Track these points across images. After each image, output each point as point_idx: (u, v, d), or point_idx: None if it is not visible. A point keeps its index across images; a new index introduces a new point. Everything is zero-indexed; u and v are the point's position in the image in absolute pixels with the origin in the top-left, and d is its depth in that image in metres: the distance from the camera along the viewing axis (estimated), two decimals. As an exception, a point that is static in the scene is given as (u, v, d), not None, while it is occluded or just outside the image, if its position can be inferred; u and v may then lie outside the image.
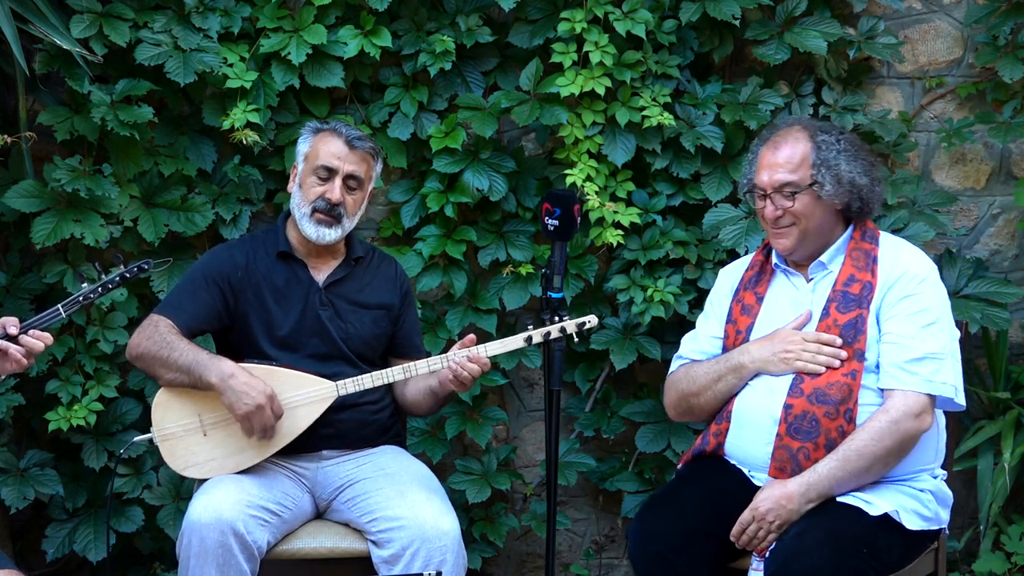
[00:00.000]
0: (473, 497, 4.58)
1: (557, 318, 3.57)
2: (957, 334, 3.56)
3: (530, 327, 3.62)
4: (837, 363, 3.45)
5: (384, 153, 4.59)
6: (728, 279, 3.78)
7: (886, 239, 3.63)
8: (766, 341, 3.55)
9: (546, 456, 3.58)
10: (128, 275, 3.58)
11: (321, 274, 3.88)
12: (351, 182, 3.83)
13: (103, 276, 3.58)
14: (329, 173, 3.81)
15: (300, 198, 3.84)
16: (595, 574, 4.91)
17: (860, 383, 3.43)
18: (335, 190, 3.80)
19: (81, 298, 3.51)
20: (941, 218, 4.62)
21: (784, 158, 3.55)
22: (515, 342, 3.67)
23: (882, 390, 3.44)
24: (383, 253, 4.06)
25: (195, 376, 3.66)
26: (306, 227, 3.82)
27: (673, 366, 3.76)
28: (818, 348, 3.47)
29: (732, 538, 3.42)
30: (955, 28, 4.77)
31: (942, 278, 4.63)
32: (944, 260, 4.69)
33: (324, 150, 3.83)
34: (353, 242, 3.94)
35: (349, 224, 3.86)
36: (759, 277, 3.69)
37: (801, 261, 3.62)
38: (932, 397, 3.43)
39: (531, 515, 4.72)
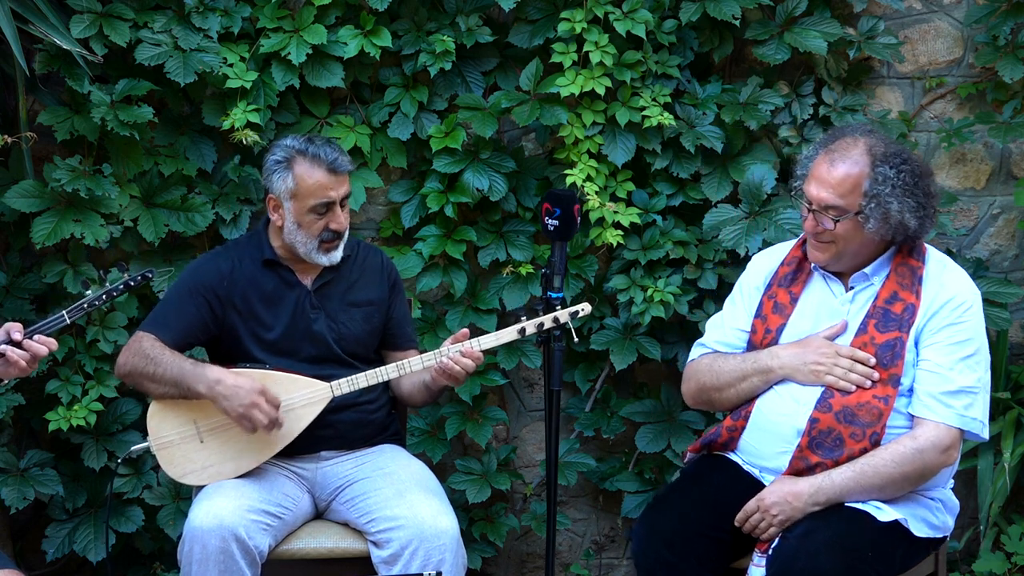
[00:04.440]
0: (473, 497, 4.58)
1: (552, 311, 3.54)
2: (989, 363, 3.46)
3: (523, 318, 3.60)
4: (868, 384, 3.35)
5: (385, 153, 4.60)
6: (761, 269, 3.64)
7: (934, 257, 3.48)
8: (798, 348, 3.44)
9: (546, 456, 3.58)
10: (132, 283, 3.60)
11: (309, 277, 3.85)
12: (343, 200, 3.80)
13: (104, 279, 3.59)
14: (328, 207, 3.75)
15: (304, 236, 3.76)
16: (595, 574, 4.90)
17: (892, 408, 3.35)
18: (339, 219, 3.77)
19: (86, 304, 3.52)
20: (941, 218, 4.61)
21: (837, 178, 3.36)
22: (509, 334, 3.64)
23: (911, 415, 3.37)
24: (367, 245, 4.02)
25: (183, 388, 3.65)
26: (317, 258, 3.79)
27: (694, 352, 3.67)
28: (851, 365, 3.37)
29: (736, 523, 3.40)
30: (955, 28, 4.76)
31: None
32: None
33: (313, 184, 3.73)
34: None
35: (347, 233, 3.85)
36: (795, 275, 3.55)
37: (841, 271, 3.50)
38: (961, 431, 3.37)
39: (531, 515, 4.72)
